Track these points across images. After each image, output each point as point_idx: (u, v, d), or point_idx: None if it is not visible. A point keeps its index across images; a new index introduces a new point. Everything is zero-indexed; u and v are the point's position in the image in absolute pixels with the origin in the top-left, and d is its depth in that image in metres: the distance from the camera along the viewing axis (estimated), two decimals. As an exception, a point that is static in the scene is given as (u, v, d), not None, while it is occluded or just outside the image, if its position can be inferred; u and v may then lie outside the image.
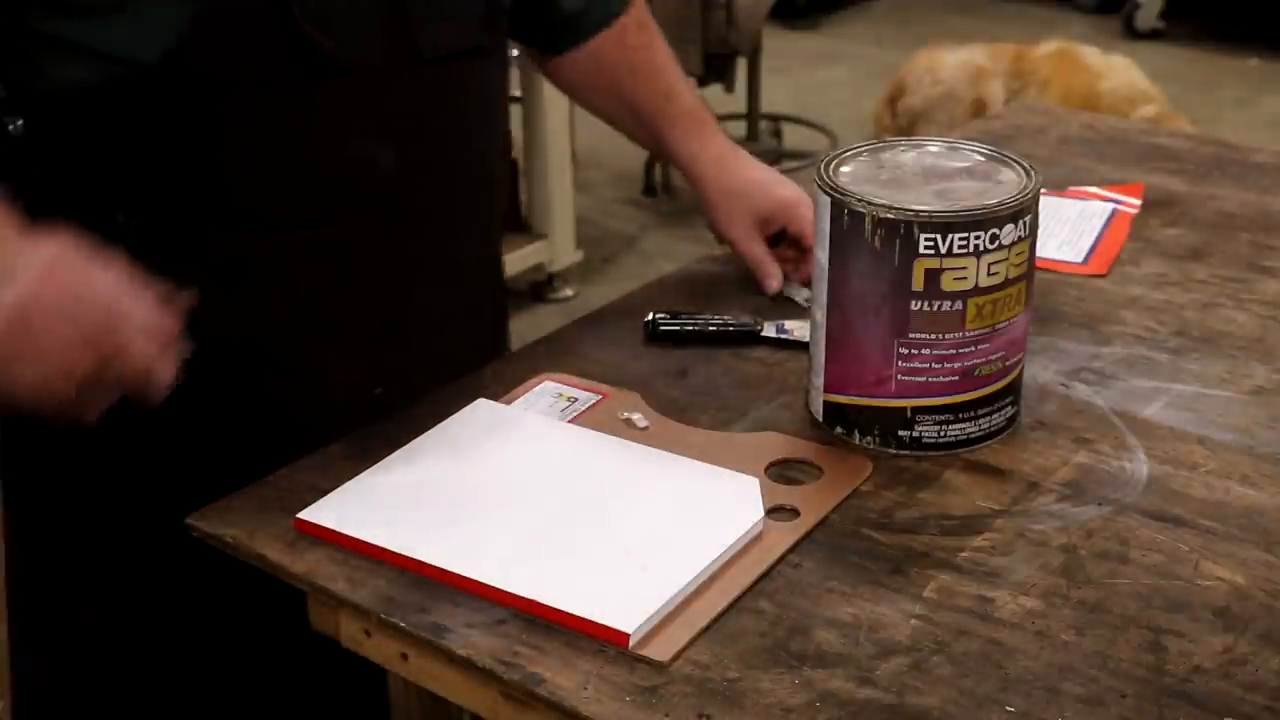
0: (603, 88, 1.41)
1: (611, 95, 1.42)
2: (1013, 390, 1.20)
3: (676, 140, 1.44)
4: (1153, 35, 5.65)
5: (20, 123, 1.06)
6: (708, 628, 0.99)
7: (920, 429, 1.17)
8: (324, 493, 1.11)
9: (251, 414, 1.18)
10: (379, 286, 1.24)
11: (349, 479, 1.13)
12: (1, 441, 1.10)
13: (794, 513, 1.10)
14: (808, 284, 1.27)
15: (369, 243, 1.21)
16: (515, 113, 3.43)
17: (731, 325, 1.37)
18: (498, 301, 1.42)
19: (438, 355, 1.29)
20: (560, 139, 3.66)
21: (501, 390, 1.26)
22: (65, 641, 1.16)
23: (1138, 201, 1.66)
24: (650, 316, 1.38)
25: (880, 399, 1.17)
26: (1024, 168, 1.20)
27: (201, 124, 1.09)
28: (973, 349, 1.14)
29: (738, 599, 1.01)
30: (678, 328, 1.37)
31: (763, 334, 1.35)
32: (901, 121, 4.01)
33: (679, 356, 1.34)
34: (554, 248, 3.71)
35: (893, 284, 1.12)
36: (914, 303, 1.13)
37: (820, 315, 1.18)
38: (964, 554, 1.06)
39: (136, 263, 1.06)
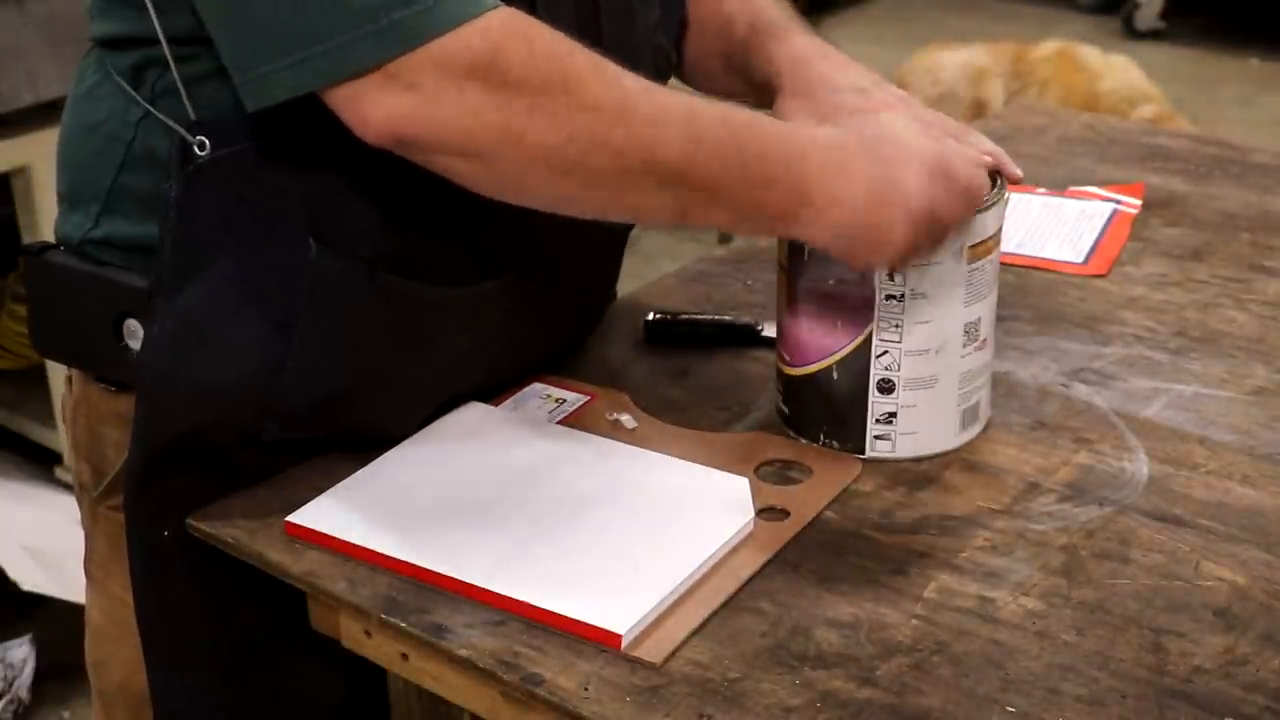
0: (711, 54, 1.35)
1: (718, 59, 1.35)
2: None
3: (758, 60, 1.28)
4: (1153, 35, 5.65)
5: (206, 143, 1.04)
6: (700, 628, 0.99)
7: None
8: (323, 493, 1.11)
9: (373, 439, 1.18)
10: (534, 329, 1.25)
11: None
12: (137, 479, 1.10)
13: (784, 513, 1.10)
14: None
15: (535, 291, 1.21)
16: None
17: (732, 325, 1.37)
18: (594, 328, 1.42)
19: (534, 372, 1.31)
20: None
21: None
22: (192, 659, 1.17)
23: (1138, 201, 1.66)
24: (650, 316, 1.38)
25: None
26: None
27: (400, 177, 1.05)
28: None
29: (730, 599, 1.01)
30: (678, 327, 1.37)
31: (763, 334, 1.35)
32: (901, 121, 4.00)
33: (679, 356, 1.34)
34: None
35: None
36: None
37: None
38: (964, 554, 1.06)
39: (316, 296, 1.07)
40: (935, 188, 1.07)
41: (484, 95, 0.97)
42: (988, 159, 1.17)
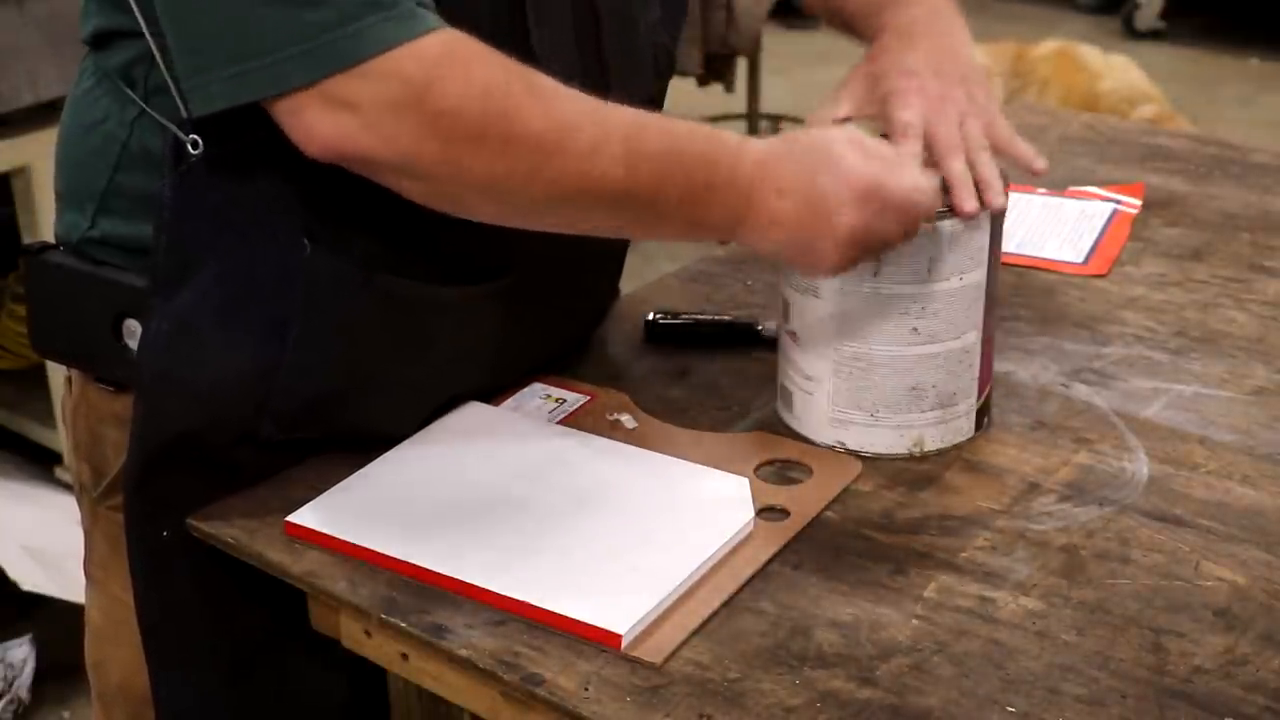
0: None
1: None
2: None
3: (866, 24, 1.29)
4: (1153, 35, 5.65)
5: (199, 140, 1.04)
6: (700, 628, 0.99)
7: None
8: (323, 493, 1.11)
9: (372, 439, 1.18)
10: (535, 330, 1.25)
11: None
12: (135, 480, 1.10)
13: (784, 513, 1.10)
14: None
15: (535, 292, 1.21)
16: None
17: (732, 325, 1.37)
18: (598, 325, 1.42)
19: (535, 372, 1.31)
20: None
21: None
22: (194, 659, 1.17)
23: (1138, 201, 1.66)
24: (650, 316, 1.38)
25: None
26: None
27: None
28: None
29: (729, 599, 1.01)
30: (678, 327, 1.37)
31: (763, 334, 1.35)
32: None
33: (679, 356, 1.34)
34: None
35: None
36: None
37: None
38: (964, 554, 1.06)
39: (311, 296, 1.07)
40: (866, 211, 1.07)
41: (420, 122, 0.98)
42: (934, 183, 1.13)
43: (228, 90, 0.98)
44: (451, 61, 0.98)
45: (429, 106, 0.97)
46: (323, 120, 0.98)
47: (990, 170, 1.16)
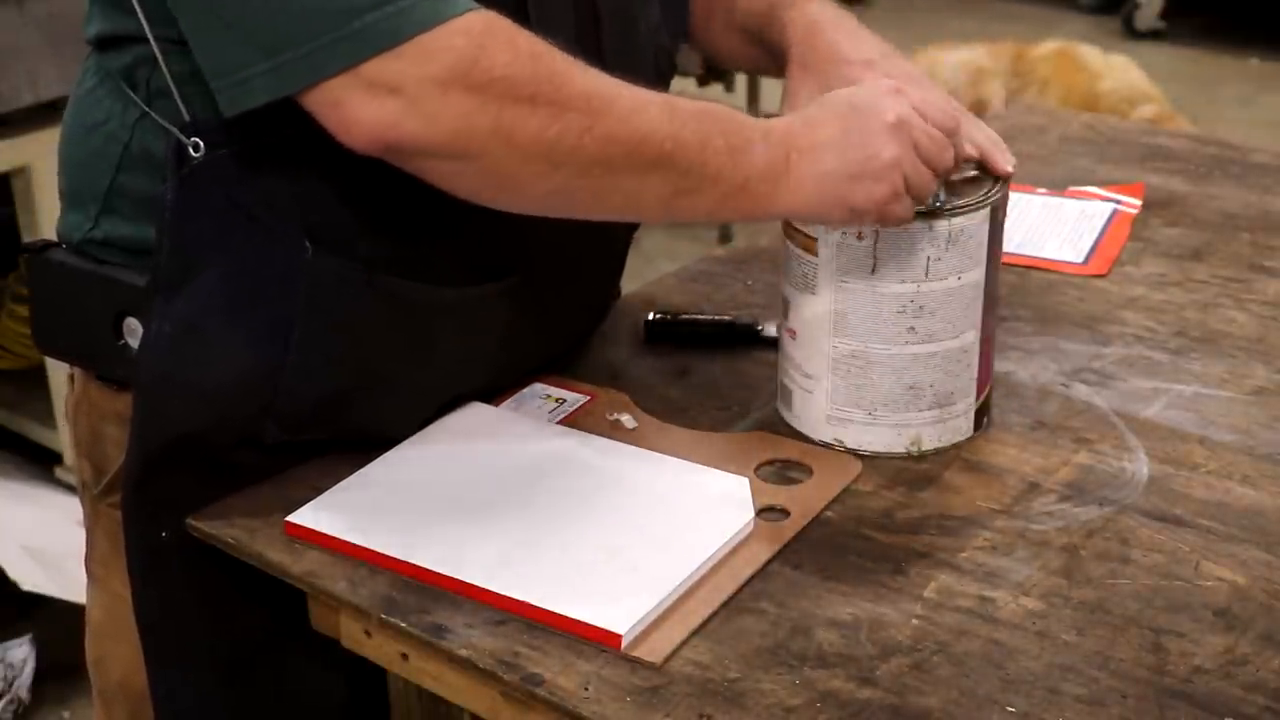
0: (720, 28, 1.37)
1: (732, 29, 1.37)
2: None
3: (775, 28, 1.29)
4: (1153, 35, 5.65)
5: (201, 144, 1.04)
6: (700, 628, 0.99)
7: None
8: (323, 493, 1.11)
9: (374, 440, 1.18)
10: (537, 331, 1.25)
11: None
12: (134, 480, 1.10)
13: (784, 513, 1.10)
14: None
15: (538, 293, 1.21)
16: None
17: (732, 325, 1.37)
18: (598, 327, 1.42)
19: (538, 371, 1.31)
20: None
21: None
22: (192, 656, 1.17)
23: (1138, 201, 1.66)
24: (650, 316, 1.38)
25: None
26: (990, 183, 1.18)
27: (391, 175, 1.04)
28: None
29: (729, 599, 1.02)
30: (678, 327, 1.37)
31: (763, 334, 1.35)
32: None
33: (679, 356, 1.34)
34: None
35: None
36: None
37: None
38: (964, 554, 1.06)
39: (312, 297, 1.07)
40: (903, 102, 1.09)
41: (470, 96, 0.97)
42: (971, 152, 1.18)
43: (267, 84, 0.98)
44: (497, 33, 0.99)
45: (479, 76, 0.97)
46: (366, 107, 0.97)
47: (991, 135, 1.20)
